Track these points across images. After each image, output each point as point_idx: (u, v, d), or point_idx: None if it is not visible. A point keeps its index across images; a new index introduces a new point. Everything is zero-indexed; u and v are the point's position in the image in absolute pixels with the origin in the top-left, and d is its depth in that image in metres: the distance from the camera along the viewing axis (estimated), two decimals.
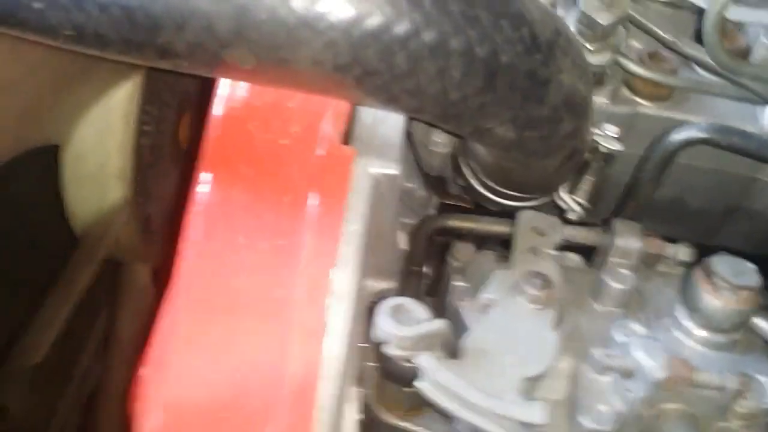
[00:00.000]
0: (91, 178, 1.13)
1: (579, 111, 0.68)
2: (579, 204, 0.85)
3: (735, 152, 0.83)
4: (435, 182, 1.00)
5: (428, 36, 0.55)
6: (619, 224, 0.81)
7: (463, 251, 0.84)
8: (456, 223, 0.88)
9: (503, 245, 0.91)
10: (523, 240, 0.78)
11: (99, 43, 0.56)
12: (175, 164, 1.35)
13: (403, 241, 0.90)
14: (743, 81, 0.88)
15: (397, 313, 0.63)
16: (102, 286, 1.24)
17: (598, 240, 0.82)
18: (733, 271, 0.73)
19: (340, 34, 0.54)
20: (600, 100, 0.94)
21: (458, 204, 1.02)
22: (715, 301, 0.73)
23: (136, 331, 1.29)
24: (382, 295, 0.84)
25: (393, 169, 0.72)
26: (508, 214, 0.87)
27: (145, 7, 0.53)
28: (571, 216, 0.86)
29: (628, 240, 0.80)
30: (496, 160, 0.74)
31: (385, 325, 0.62)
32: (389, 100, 0.60)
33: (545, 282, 0.70)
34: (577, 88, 0.66)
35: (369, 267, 0.81)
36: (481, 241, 0.92)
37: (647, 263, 0.82)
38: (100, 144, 1.10)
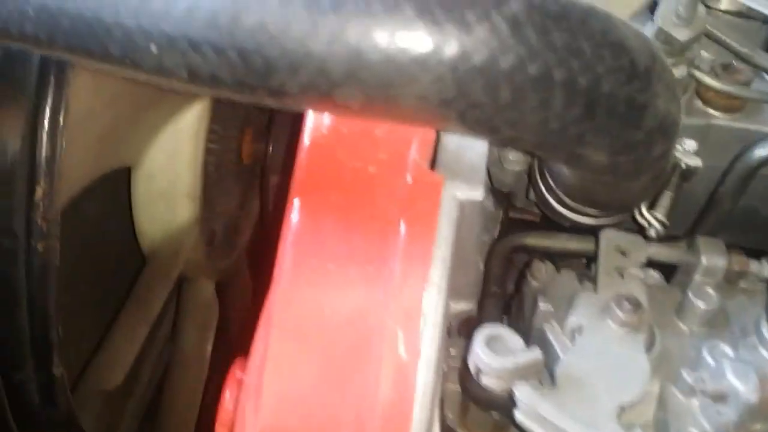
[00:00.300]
0: (162, 197, 1.15)
1: (670, 133, 0.68)
2: (659, 221, 0.84)
3: None
4: (503, 197, 1.00)
5: (533, 68, 0.55)
6: (703, 242, 0.81)
7: (543, 271, 0.84)
8: (534, 241, 0.88)
9: (581, 261, 0.91)
10: (608, 260, 0.78)
11: (212, 85, 0.57)
12: (237, 180, 1.37)
13: (481, 261, 0.90)
14: None
15: (493, 342, 0.63)
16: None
17: (683, 258, 0.82)
18: None
19: (448, 69, 0.54)
20: None
21: (524, 217, 1.02)
22: None
23: (200, 345, 1.31)
24: (461, 317, 0.85)
25: (478, 195, 0.72)
26: (585, 230, 0.87)
27: (261, 50, 0.54)
28: (651, 233, 0.85)
29: (713, 258, 0.80)
30: (582, 182, 0.74)
31: (482, 356, 0.62)
32: (489, 131, 0.61)
33: (635, 305, 0.70)
34: (670, 111, 0.66)
35: (450, 289, 0.82)
36: (555, 257, 0.92)
37: (730, 280, 0.82)
38: (171, 164, 1.13)
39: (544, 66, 0.55)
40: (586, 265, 0.89)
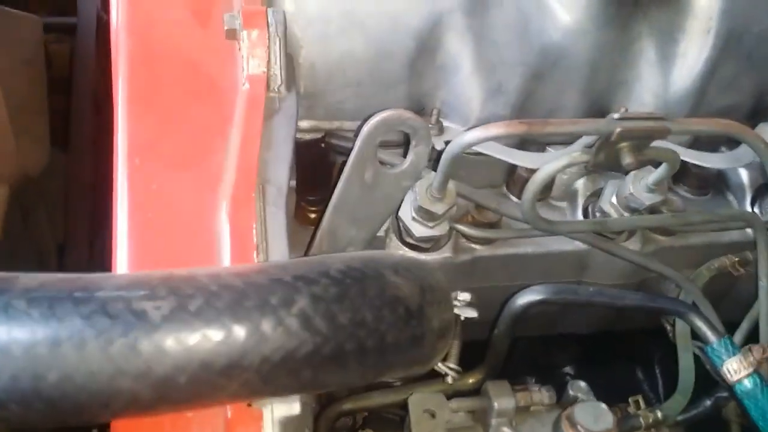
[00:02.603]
0: None
1: (448, 330, 0.79)
2: (452, 369, 0.97)
3: (569, 305, 0.98)
4: None
5: (326, 350, 0.63)
6: (491, 387, 0.94)
7: None
8: (352, 405, 0.97)
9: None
10: (419, 427, 0.88)
11: (30, 425, 0.59)
12: None
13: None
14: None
15: None
16: None
17: (480, 405, 0.94)
18: (592, 417, 0.88)
19: (253, 374, 0.61)
20: (444, 255, 1.08)
21: None
22: None
23: None
24: None
25: (296, 410, 0.80)
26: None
27: (69, 396, 0.57)
28: (448, 380, 0.97)
29: (503, 401, 0.93)
30: None
31: None
32: (299, 393, 0.68)
33: None
34: (443, 319, 0.76)
35: None
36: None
37: (521, 409, 0.96)
38: None
39: (336, 345, 0.63)
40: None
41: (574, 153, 0.91)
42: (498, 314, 1.01)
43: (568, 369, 1.40)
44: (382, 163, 0.92)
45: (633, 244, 1.13)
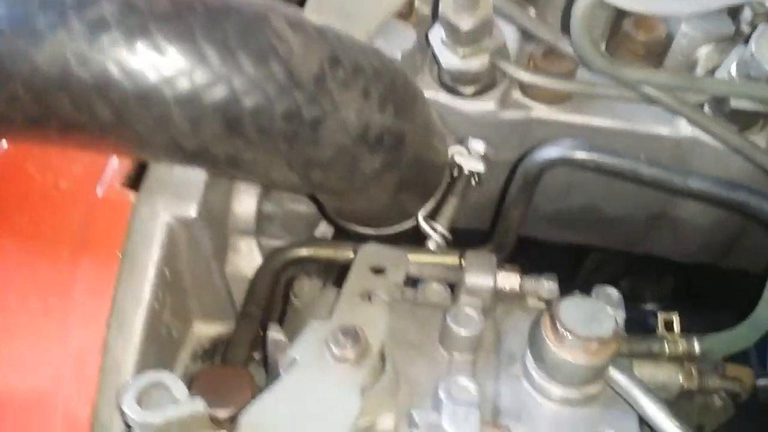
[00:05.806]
0: None
1: (387, 143, 0.58)
2: (439, 231, 0.76)
3: (599, 171, 0.72)
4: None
5: (130, 85, 0.46)
6: (471, 258, 0.72)
7: (305, 288, 0.76)
8: (309, 252, 0.79)
9: None
10: (357, 282, 0.69)
11: None
12: None
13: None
14: (638, 85, 0.77)
15: (147, 393, 0.55)
16: None
17: (449, 276, 0.73)
18: (585, 316, 0.63)
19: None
20: (485, 106, 0.84)
21: None
22: (561, 353, 0.63)
23: None
24: (216, 341, 0.77)
25: (190, 212, 0.64)
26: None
27: None
28: (430, 244, 0.76)
29: (478, 277, 0.70)
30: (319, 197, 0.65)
31: (128, 411, 0.54)
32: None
33: (355, 338, 0.61)
34: (373, 119, 0.56)
35: (194, 310, 0.74)
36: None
37: (507, 298, 0.73)
38: None
39: (145, 83, 0.46)
40: None
41: None
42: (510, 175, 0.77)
43: (651, 305, 1.11)
44: None
45: (757, 139, 0.82)
